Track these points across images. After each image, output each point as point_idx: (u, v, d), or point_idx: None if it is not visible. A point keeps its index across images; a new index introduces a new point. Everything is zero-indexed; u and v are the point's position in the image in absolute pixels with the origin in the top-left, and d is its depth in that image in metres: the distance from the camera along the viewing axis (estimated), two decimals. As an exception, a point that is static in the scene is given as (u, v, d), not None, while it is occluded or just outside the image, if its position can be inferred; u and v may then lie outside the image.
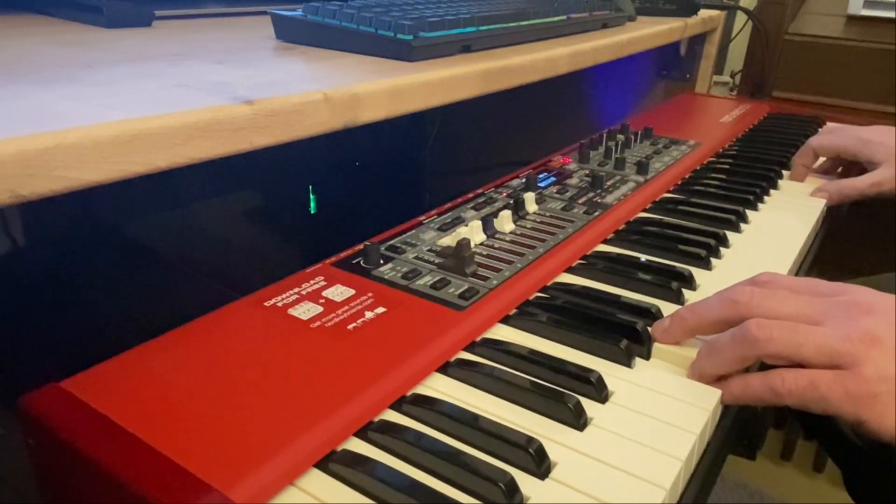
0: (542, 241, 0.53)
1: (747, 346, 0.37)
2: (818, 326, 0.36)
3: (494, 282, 0.46)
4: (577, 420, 0.35)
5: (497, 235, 0.53)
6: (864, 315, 0.36)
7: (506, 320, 0.44)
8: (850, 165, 0.75)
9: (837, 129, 0.76)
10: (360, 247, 0.50)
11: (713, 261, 0.54)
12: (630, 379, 0.39)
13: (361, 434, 0.34)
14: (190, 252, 0.49)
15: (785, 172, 0.77)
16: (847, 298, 0.38)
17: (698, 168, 0.77)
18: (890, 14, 1.09)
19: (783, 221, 0.63)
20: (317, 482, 0.31)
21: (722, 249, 0.56)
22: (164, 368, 0.36)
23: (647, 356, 0.41)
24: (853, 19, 1.13)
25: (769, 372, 0.37)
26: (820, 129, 0.79)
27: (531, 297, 0.47)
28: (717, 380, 0.39)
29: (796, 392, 0.35)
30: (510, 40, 0.64)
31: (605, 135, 0.81)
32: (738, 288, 0.40)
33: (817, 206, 0.67)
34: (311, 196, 0.56)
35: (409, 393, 0.37)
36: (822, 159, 0.76)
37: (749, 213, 0.64)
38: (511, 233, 0.54)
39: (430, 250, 0.50)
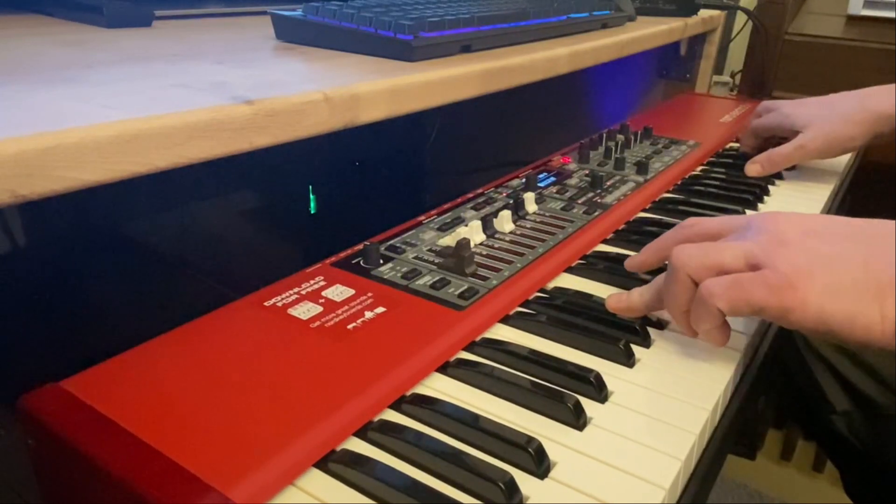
0: (542, 241, 0.53)
1: (677, 276, 0.40)
2: (735, 241, 0.39)
3: (494, 282, 0.46)
4: (577, 420, 0.35)
5: (497, 235, 0.53)
6: (771, 225, 0.39)
7: (505, 320, 0.44)
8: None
9: (774, 105, 0.79)
10: (360, 247, 0.50)
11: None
12: (629, 378, 0.39)
13: (361, 434, 0.34)
14: (190, 252, 0.49)
15: (785, 172, 0.77)
16: (758, 219, 0.41)
17: (698, 168, 0.77)
18: (890, 14, 1.09)
19: (783, 221, 0.63)
20: (316, 482, 0.31)
21: (722, 249, 0.56)
22: (164, 368, 0.36)
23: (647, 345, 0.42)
24: (853, 19, 1.13)
25: (698, 289, 0.39)
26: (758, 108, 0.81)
27: (531, 297, 0.47)
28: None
29: (722, 294, 0.37)
30: (510, 40, 0.64)
31: (604, 135, 0.81)
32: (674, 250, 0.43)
33: (816, 207, 0.67)
34: (311, 196, 0.56)
35: (408, 392, 0.37)
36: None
37: (749, 212, 0.64)
38: (511, 233, 0.54)
39: (429, 250, 0.50)
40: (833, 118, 0.71)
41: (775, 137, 0.79)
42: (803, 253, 0.36)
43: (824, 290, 0.35)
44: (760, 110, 0.80)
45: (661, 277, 0.43)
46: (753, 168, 0.73)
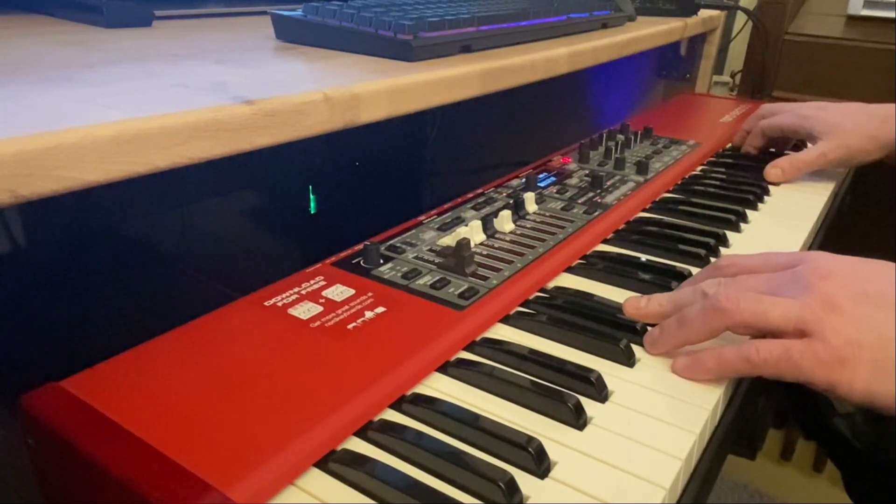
0: (542, 240, 0.53)
1: (717, 316, 0.38)
2: (782, 297, 0.38)
3: (494, 281, 0.46)
4: (577, 420, 0.35)
5: (497, 235, 0.53)
6: (820, 280, 0.38)
7: (506, 320, 0.44)
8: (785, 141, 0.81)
9: (779, 108, 0.79)
10: (360, 247, 0.50)
11: (713, 260, 0.53)
12: (630, 378, 0.39)
13: (361, 433, 0.34)
14: (190, 252, 0.49)
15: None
16: (804, 267, 0.39)
17: (698, 168, 0.77)
18: (890, 14, 1.09)
19: (783, 221, 0.63)
20: (317, 482, 0.31)
21: (722, 249, 0.56)
22: (164, 368, 0.36)
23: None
24: (853, 19, 1.13)
25: (743, 344, 0.38)
26: (760, 110, 0.82)
27: (531, 297, 0.47)
28: (688, 354, 0.40)
29: (771, 361, 0.36)
30: (510, 40, 0.64)
31: (605, 135, 0.81)
32: (707, 283, 0.42)
33: (817, 207, 0.67)
34: (311, 196, 0.56)
35: (408, 392, 0.37)
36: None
37: (749, 212, 0.64)
38: (511, 233, 0.54)
39: (430, 250, 0.50)
40: (856, 131, 0.70)
41: (781, 139, 0.79)
42: (854, 323, 0.35)
43: (873, 368, 0.34)
44: (764, 113, 0.80)
45: (684, 295, 0.42)
46: (774, 172, 0.73)
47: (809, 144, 0.75)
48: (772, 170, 0.73)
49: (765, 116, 0.79)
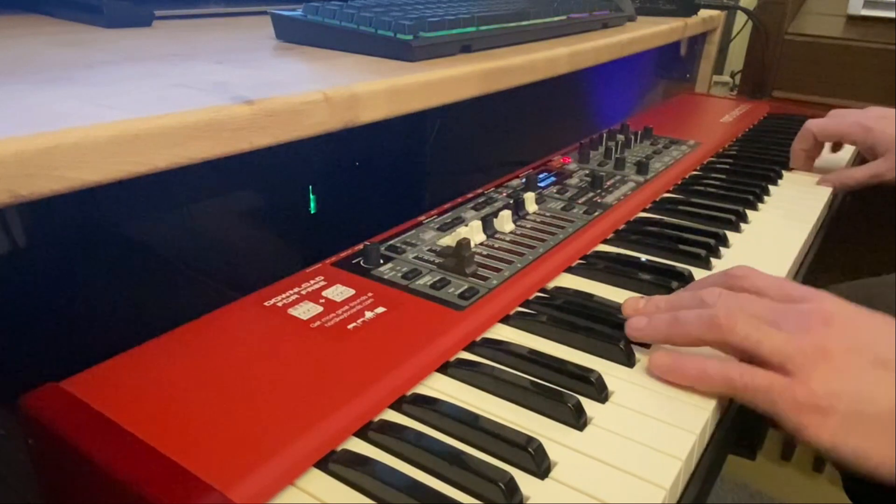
0: (542, 241, 0.53)
1: (712, 330, 0.38)
2: (779, 330, 0.37)
3: (494, 282, 0.46)
4: (577, 420, 0.35)
5: (497, 235, 0.53)
6: (821, 325, 0.37)
7: (506, 320, 0.44)
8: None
9: (839, 113, 0.77)
10: (360, 247, 0.50)
11: (713, 261, 0.54)
12: (630, 379, 0.39)
13: (361, 434, 0.34)
14: (190, 252, 0.49)
15: (785, 172, 0.77)
16: (810, 306, 0.38)
17: (698, 168, 0.77)
18: (890, 14, 1.09)
19: (783, 222, 0.63)
20: (317, 482, 0.31)
21: (722, 249, 0.56)
22: (164, 368, 0.36)
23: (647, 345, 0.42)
24: (853, 19, 1.13)
25: (728, 363, 0.38)
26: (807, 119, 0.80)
27: (531, 297, 0.47)
28: (669, 354, 0.39)
29: (751, 388, 0.36)
30: (510, 40, 0.64)
31: (605, 135, 0.81)
32: (708, 291, 0.41)
33: (817, 206, 0.67)
34: (311, 196, 0.56)
35: (408, 393, 0.37)
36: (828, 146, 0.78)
37: (749, 213, 0.64)
38: (511, 233, 0.54)
39: (430, 250, 0.50)
40: None
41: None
42: (839, 374, 0.35)
43: (842, 422, 0.34)
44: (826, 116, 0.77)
45: (683, 299, 0.42)
46: (824, 184, 0.73)
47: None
48: (823, 182, 0.73)
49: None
